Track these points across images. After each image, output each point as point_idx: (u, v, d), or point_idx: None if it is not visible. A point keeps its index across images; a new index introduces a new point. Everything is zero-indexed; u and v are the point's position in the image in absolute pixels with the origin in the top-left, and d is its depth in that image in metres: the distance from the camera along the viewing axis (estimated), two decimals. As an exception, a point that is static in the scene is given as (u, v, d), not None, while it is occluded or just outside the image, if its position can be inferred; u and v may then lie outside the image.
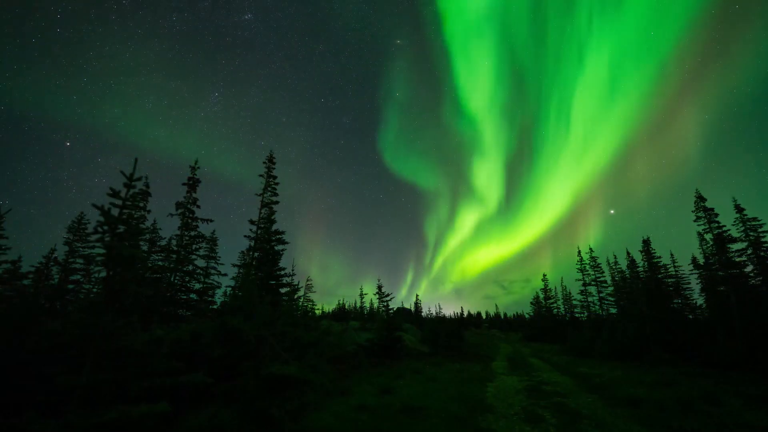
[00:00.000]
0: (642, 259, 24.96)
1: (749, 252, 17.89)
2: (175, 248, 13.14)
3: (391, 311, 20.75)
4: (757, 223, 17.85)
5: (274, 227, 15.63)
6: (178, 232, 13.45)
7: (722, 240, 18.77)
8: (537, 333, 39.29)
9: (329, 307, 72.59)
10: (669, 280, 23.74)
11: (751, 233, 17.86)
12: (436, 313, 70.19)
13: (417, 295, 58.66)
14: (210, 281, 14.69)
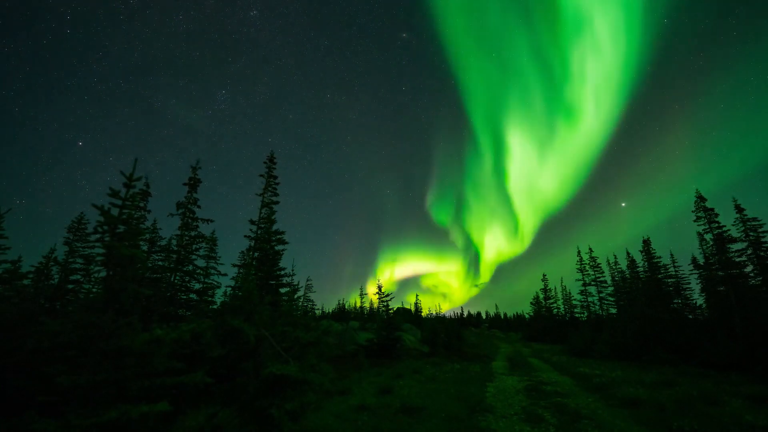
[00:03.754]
0: (642, 259, 24.97)
1: (749, 252, 17.88)
2: (175, 248, 13.13)
3: (391, 311, 20.76)
4: (757, 223, 17.86)
5: (274, 227, 15.64)
6: (179, 232, 13.45)
7: (722, 240, 18.76)
8: (537, 333, 39.29)
9: (329, 307, 72.62)
10: (669, 280, 23.73)
11: (751, 233, 17.86)
12: (436, 313, 70.25)
13: (417, 295, 58.78)
14: (210, 281, 14.68)
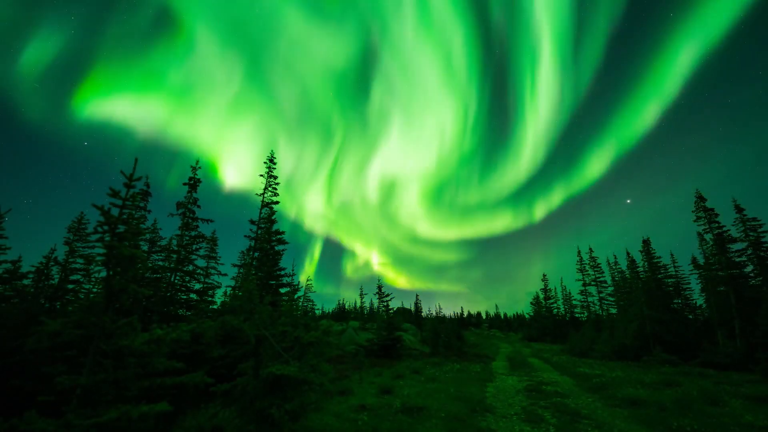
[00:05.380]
0: (642, 259, 24.98)
1: (749, 252, 17.89)
2: (175, 248, 13.13)
3: (391, 311, 20.78)
4: (757, 223, 17.86)
5: (274, 227, 15.65)
6: (179, 232, 13.45)
7: (722, 240, 18.77)
8: (537, 333, 39.29)
9: (329, 307, 72.69)
10: (669, 280, 23.74)
11: (751, 233, 17.87)
12: (436, 312, 70.21)
13: (417, 295, 58.81)
14: (210, 281, 14.68)
